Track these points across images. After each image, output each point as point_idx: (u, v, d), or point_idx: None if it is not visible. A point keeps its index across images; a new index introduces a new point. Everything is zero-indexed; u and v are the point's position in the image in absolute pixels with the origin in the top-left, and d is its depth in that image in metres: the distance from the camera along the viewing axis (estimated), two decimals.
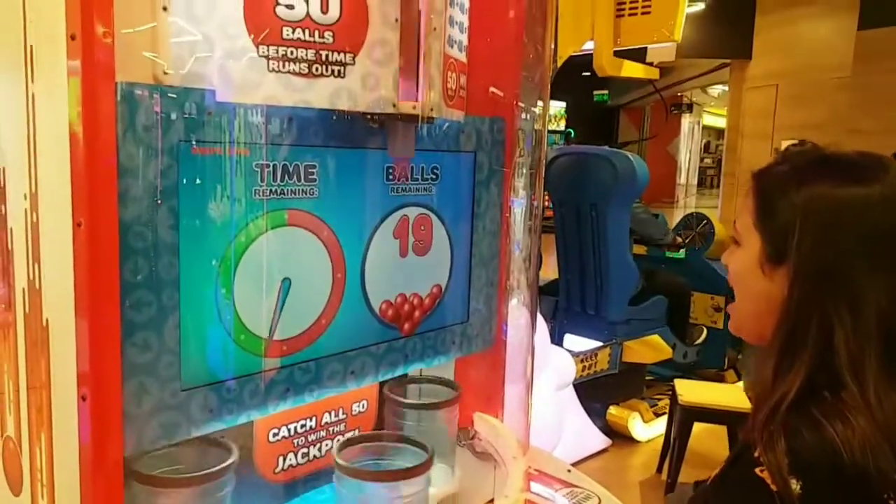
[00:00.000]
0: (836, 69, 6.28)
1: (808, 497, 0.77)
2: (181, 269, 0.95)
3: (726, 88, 9.75)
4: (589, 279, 4.22)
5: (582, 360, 3.86)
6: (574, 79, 8.69)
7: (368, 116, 1.09)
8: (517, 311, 1.52)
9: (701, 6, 6.75)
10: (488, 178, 1.42)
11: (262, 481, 1.22)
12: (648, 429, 4.07)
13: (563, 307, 4.43)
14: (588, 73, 5.17)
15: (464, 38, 1.26)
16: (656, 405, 4.25)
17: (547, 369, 3.31)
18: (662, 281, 4.46)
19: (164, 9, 0.90)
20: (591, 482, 1.44)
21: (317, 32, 0.99)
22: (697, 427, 3.35)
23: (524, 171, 1.49)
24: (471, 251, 1.41)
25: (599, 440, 3.91)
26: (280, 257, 1.08)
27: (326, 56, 1.01)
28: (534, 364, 1.56)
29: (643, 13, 4.25)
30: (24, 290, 0.98)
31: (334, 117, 1.09)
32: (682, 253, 4.90)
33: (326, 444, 1.29)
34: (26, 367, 1.00)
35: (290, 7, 0.97)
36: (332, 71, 1.02)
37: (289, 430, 1.23)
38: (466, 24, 1.26)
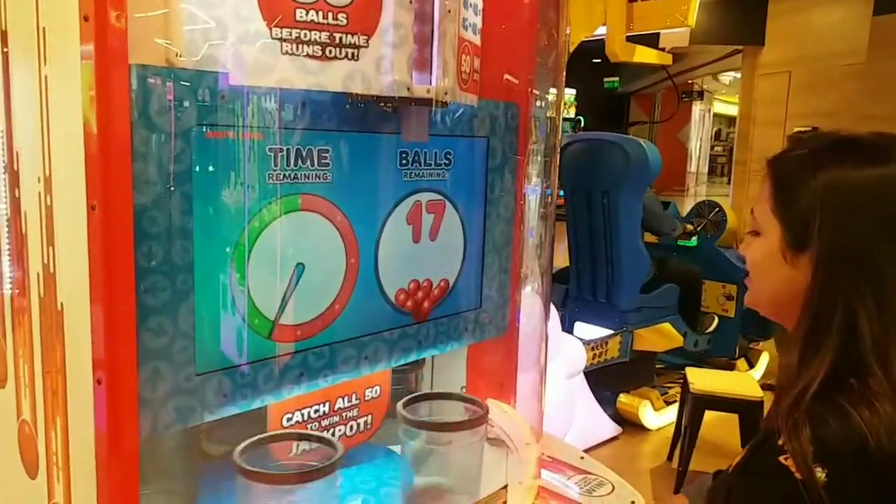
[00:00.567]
0: (849, 56, 6.21)
1: (833, 485, 0.76)
2: (195, 253, 0.95)
3: (737, 76, 9.68)
4: (600, 267, 4.19)
5: (592, 348, 3.85)
6: (584, 66, 8.63)
7: (382, 102, 1.08)
8: (530, 298, 1.52)
9: None
10: (502, 164, 1.41)
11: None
12: (659, 417, 4.07)
13: (573, 295, 4.42)
14: (599, 60, 5.13)
15: (478, 21, 1.24)
16: (667, 393, 4.25)
17: (557, 357, 3.30)
18: (674, 269, 4.43)
19: None
20: (604, 469, 1.43)
21: (330, 14, 0.98)
22: (708, 415, 3.34)
23: (538, 158, 1.48)
24: (484, 237, 1.40)
25: (610, 428, 3.91)
26: (294, 242, 1.07)
27: (340, 39, 0.99)
28: (547, 351, 1.56)
29: None
30: (38, 274, 0.98)
31: (348, 104, 1.09)
32: (693, 241, 4.87)
33: (339, 430, 1.29)
34: (41, 351, 1.00)
35: None
36: (346, 54, 1.00)
37: (302, 415, 1.22)
38: (481, 5, 1.25)
